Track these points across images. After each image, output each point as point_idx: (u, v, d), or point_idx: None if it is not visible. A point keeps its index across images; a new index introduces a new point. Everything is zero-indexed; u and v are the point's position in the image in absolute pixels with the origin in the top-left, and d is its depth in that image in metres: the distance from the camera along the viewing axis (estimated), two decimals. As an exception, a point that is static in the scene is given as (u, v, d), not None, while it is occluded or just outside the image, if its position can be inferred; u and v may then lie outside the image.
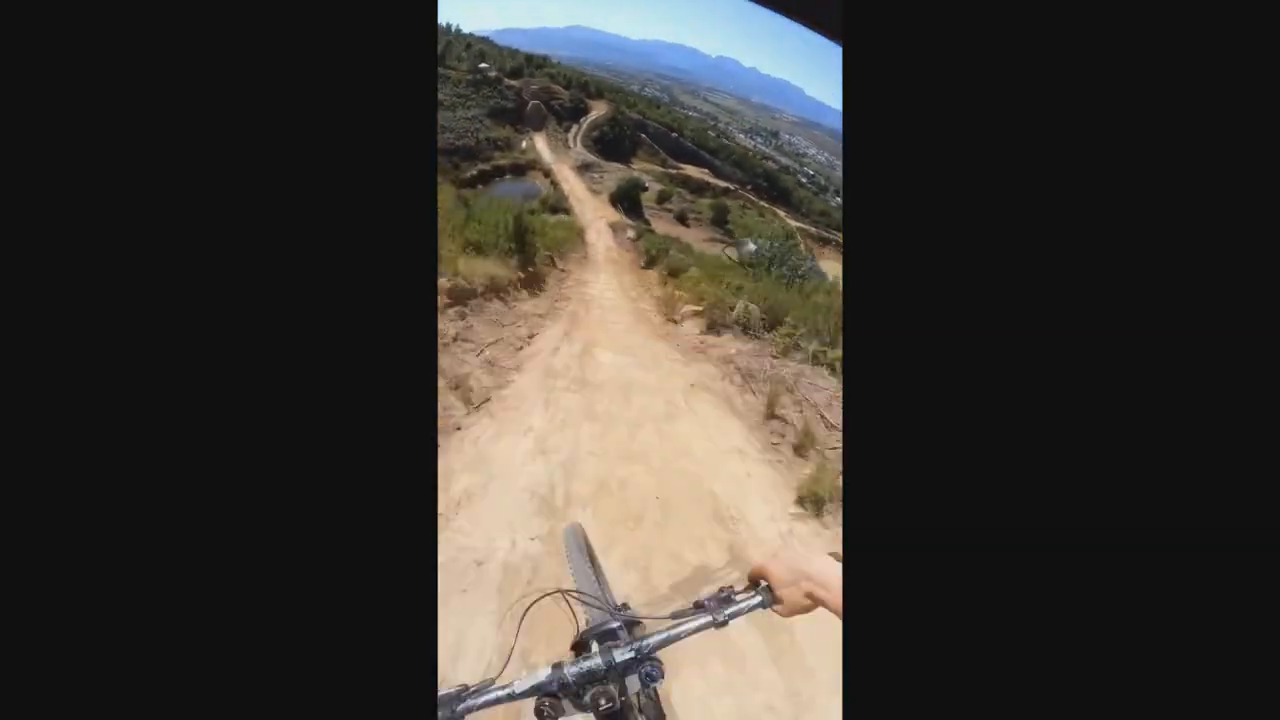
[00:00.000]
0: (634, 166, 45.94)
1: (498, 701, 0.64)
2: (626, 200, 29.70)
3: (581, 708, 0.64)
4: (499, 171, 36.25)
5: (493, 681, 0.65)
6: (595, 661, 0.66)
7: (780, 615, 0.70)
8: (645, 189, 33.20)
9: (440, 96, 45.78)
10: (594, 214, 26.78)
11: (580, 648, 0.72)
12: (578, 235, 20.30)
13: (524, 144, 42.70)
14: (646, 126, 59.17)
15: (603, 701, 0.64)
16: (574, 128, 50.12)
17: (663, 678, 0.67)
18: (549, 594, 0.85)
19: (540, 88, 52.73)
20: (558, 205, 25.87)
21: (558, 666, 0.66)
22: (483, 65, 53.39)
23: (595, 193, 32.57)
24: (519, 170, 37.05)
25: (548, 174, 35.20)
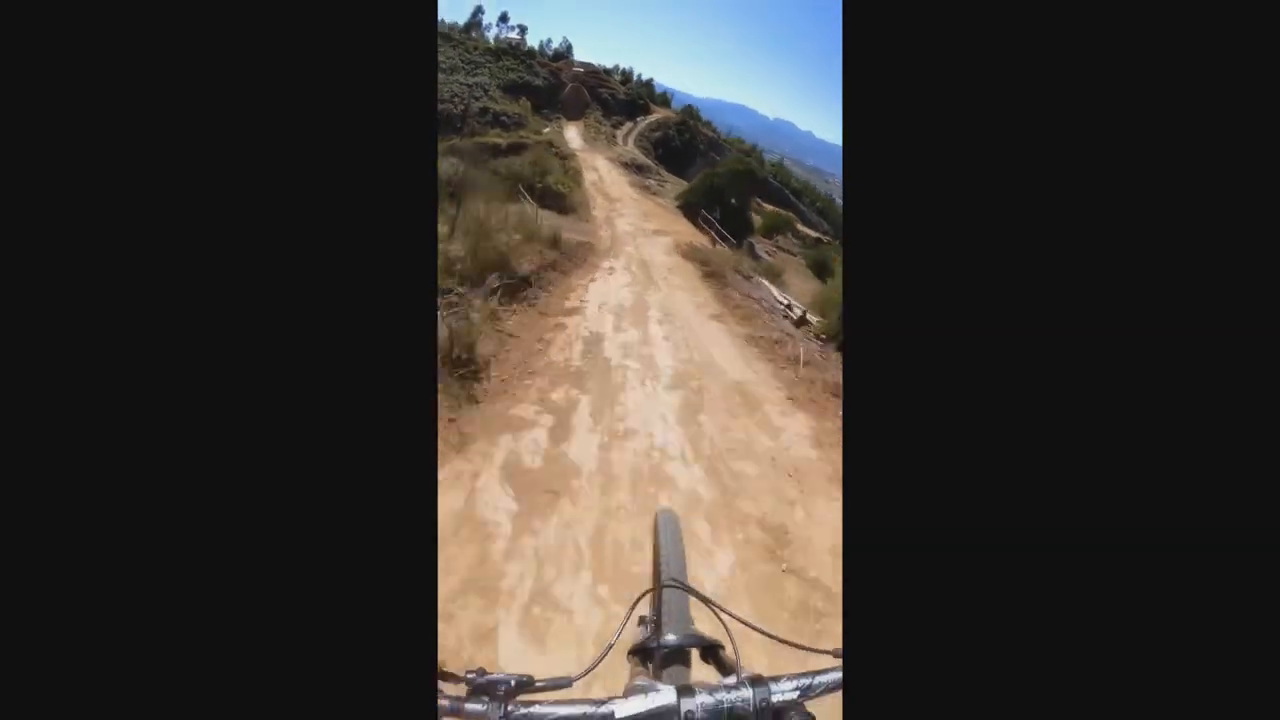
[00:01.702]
0: (705, 191, 29.89)
1: None
2: (721, 209, 12.54)
3: None
4: (490, 152, 20.54)
5: (568, 681, 0.49)
6: (743, 698, 0.46)
7: None
8: (756, 183, 16.45)
9: (443, 59, 31.73)
10: (639, 220, 10.12)
11: (671, 658, 0.60)
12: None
13: (546, 128, 27.19)
14: (722, 148, 43.59)
15: None
16: (628, 125, 34.73)
17: None
18: (670, 586, 0.68)
19: (587, 72, 37.89)
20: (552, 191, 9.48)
21: (686, 691, 0.46)
22: (513, 35, 39.31)
23: (650, 193, 16.04)
24: (521, 152, 21.15)
25: (564, 158, 19.08)
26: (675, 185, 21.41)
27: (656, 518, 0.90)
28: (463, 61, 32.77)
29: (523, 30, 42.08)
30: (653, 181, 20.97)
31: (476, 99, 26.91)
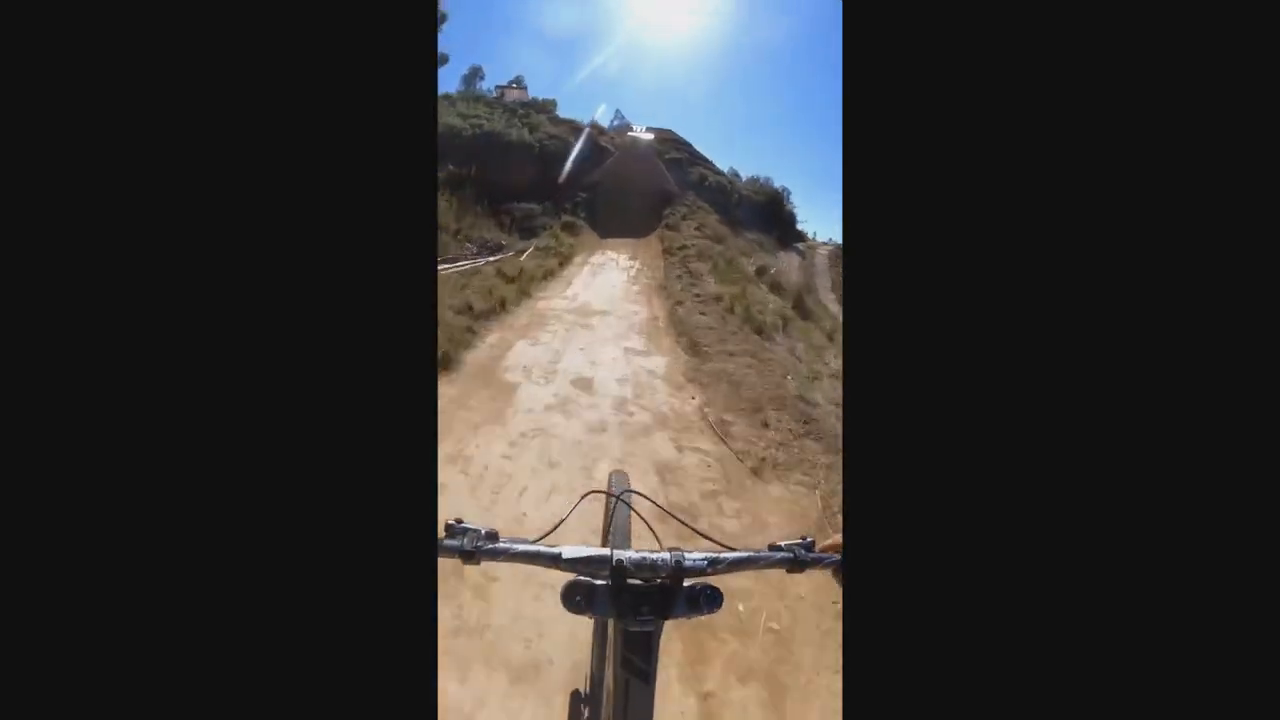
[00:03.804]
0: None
1: (528, 559, 0.57)
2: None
3: (618, 608, 0.54)
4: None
5: (528, 539, 0.58)
6: (662, 558, 0.55)
7: (838, 582, 0.66)
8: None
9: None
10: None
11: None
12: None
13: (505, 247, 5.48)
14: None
15: (644, 609, 0.54)
16: (783, 255, 13.01)
17: (718, 608, 0.55)
18: (622, 492, 0.83)
19: (662, 138, 17.40)
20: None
21: (620, 549, 0.57)
22: (515, 86, 20.26)
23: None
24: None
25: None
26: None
27: (610, 479, 1.02)
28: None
29: (554, 106, 23.15)
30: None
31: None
